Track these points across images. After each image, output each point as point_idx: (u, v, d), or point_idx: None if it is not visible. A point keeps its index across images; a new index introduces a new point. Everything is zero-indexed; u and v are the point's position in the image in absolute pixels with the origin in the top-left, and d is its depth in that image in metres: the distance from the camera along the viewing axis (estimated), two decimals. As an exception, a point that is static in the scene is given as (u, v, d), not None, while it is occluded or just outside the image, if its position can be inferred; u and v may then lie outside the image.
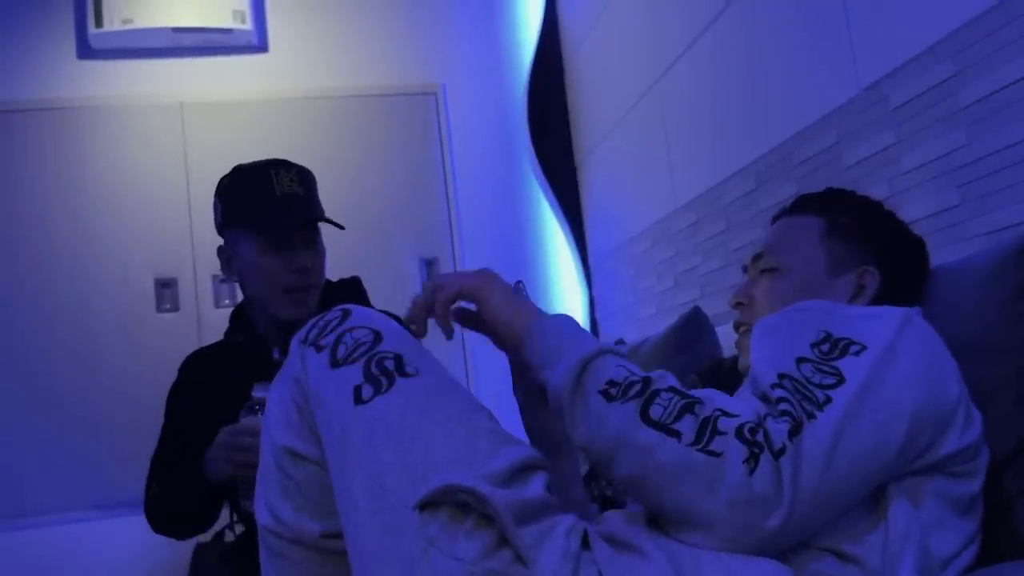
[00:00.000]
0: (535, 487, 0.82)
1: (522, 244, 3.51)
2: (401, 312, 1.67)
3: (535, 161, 3.51)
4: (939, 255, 1.21)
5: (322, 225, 1.61)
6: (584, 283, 3.43)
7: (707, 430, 0.77)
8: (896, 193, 1.59)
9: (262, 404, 1.20)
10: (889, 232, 1.14)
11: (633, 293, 3.00)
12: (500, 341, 0.98)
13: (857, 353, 0.83)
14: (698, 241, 2.45)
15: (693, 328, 2.00)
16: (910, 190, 1.56)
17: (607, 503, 1.37)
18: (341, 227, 1.59)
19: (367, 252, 3.21)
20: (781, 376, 0.82)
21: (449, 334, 0.99)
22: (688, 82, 2.47)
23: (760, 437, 0.76)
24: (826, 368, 0.82)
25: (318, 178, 1.62)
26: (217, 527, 1.68)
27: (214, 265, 1.63)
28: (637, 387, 0.81)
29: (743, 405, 0.80)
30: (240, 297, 1.65)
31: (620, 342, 2.56)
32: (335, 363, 0.91)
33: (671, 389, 0.81)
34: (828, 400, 0.79)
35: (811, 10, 1.83)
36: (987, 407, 0.93)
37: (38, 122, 3.19)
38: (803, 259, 1.12)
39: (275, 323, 1.56)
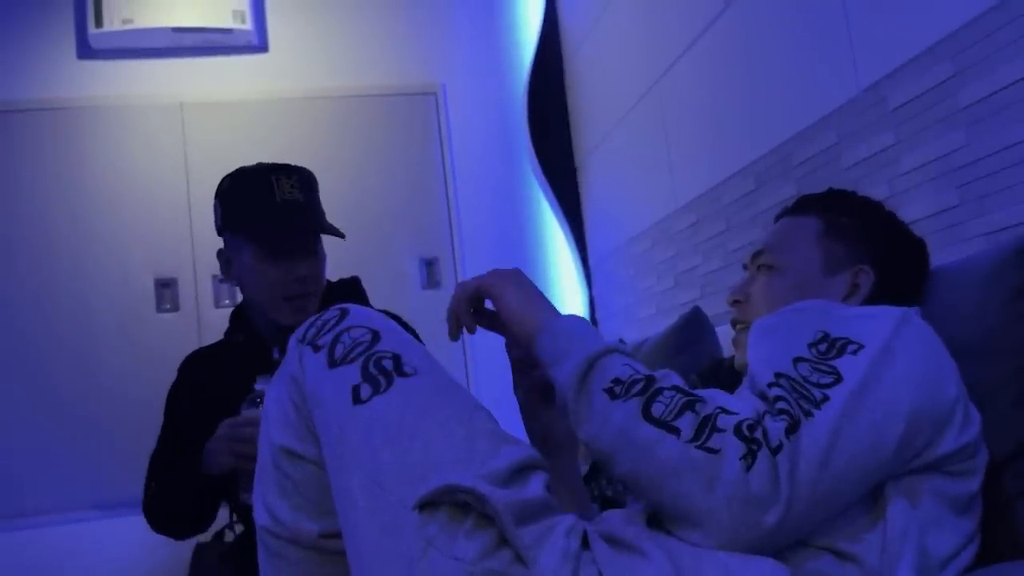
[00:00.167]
0: (535, 487, 0.82)
1: (522, 244, 3.51)
2: (401, 312, 1.68)
3: (535, 161, 3.51)
4: (938, 255, 1.21)
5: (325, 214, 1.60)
6: (584, 283, 3.44)
7: (706, 427, 0.77)
8: (896, 194, 1.59)
9: (264, 397, 1.20)
10: (887, 232, 1.14)
11: (633, 293, 3.00)
12: (514, 339, 0.98)
13: (855, 352, 0.83)
14: (698, 241, 2.45)
15: (693, 328, 2.00)
16: (909, 191, 1.56)
17: (607, 503, 1.37)
18: (342, 236, 1.57)
19: (367, 252, 3.21)
20: (778, 376, 0.82)
21: (471, 329, 1.00)
22: (688, 82, 2.47)
23: (758, 434, 0.76)
24: (823, 367, 0.82)
25: (318, 178, 1.61)
26: (217, 527, 1.68)
27: (214, 265, 1.63)
28: (640, 385, 0.82)
29: (743, 403, 0.80)
30: (240, 297, 1.65)
31: (620, 342, 2.56)
32: (333, 363, 0.90)
33: (674, 387, 0.81)
34: (826, 399, 0.79)
35: (811, 10, 1.83)
36: (987, 408, 0.93)
37: (38, 122, 3.19)
38: (800, 258, 1.13)
39: (275, 325, 1.56)
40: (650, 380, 0.82)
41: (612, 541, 0.81)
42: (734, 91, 2.20)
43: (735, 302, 1.16)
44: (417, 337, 1.62)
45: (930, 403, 0.84)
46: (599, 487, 1.42)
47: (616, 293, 3.19)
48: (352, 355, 0.90)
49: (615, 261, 3.17)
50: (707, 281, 2.40)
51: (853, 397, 0.80)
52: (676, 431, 0.77)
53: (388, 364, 0.89)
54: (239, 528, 1.65)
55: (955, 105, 1.44)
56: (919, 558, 0.81)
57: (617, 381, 0.83)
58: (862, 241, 1.12)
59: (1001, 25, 1.33)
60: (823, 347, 0.85)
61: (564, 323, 0.92)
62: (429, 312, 3.31)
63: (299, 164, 1.60)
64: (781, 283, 1.12)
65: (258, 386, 1.38)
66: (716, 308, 2.22)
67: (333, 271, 1.66)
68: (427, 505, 0.79)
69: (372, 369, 0.89)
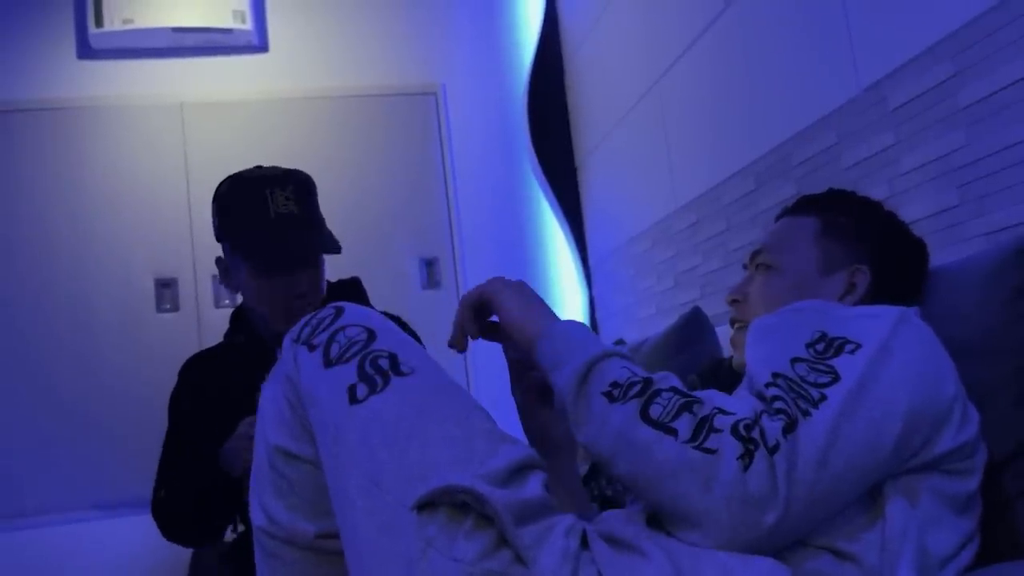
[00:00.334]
0: (533, 487, 0.82)
1: (522, 244, 3.52)
2: (401, 312, 1.67)
3: (535, 161, 3.51)
4: (939, 255, 1.21)
5: (324, 218, 1.59)
6: (584, 283, 3.44)
7: (704, 428, 0.77)
8: (895, 194, 1.59)
9: None
10: (885, 232, 1.14)
11: (633, 293, 3.00)
12: (516, 346, 0.99)
13: (852, 352, 0.83)
14: (698, 241, 2.45)
15: (693, 328, 2.01)
16: (909, 191, 1.56)
17: (607, 503, 1.38)
18: (337, 251, 1.54)
19: (367, 252, 3.21)
20: (775, 375, 0.83)
21: (475, 336, 1.01)
22: (688, 82, 2.47)
23: (756, 434, 0.76)
24: (821, 367, 0.82)
25: (318, 179, 1.59)
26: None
27: (214, 265, 1.62)
28: (638, 387, 0.82)
29: (741, 404, 0.80)
30: (240, 299, 1.65)
31: (620, 342, 2.56)
32: (328, 362, 0.90)
33: (672, 389, 0.82)
34: (823, 398, 0.79)
35: (811, 10, 1.83)
36: (987, 407, 0.93)
37: (38, 122, 3.20)
38: (797, 258, 1.13)
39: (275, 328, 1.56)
40: (648, 382, 0.82)
41: (611, 541, 0.81)
42: (734, 91, 2.20)
43: (733, 301, 1.17)
44: (418, 339, 1.61)
45: (928, 402, 0.83)
46: (599, 487, 1.42)
47: (616, 293, 3.19)
48: (348, 354, 0.90)
49: (615, 261, 3.17)
50: (707, 281, 2.40)
51: (851, 396, 0.80)
52: (673, 432, 0.78)
53: (384, 363, 0.89)
54: (240, 528, 1.65)
55: (955, 105, 1.44)
56: (919, 557, 0.81)
57: (615, 384, 0.83)
58: (859, 241, 1.12)
59: (1001, 25, 1.33)
60: (821, 347, 0.85)
61: (563, 328, 0.93)
62: (429, 312, 3.32)
63: (299, 165, 1.58)
64: (779, 283, 1.12)
65: None
66: (716, 308, 2.22)
67: (333, 271, 1.66)
68: (426, 505, 0.79)
69: (368, 368, 0.88)
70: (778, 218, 1.23)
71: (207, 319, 3.19)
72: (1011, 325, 1.02)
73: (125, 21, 3.19)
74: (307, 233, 1.51)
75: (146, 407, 2.98)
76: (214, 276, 3.17)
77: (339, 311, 0.95)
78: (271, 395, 0.96)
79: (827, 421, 0.78)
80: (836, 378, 0.81)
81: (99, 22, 3.18)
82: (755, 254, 1.18)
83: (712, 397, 0.81)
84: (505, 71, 3.58)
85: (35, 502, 2.99)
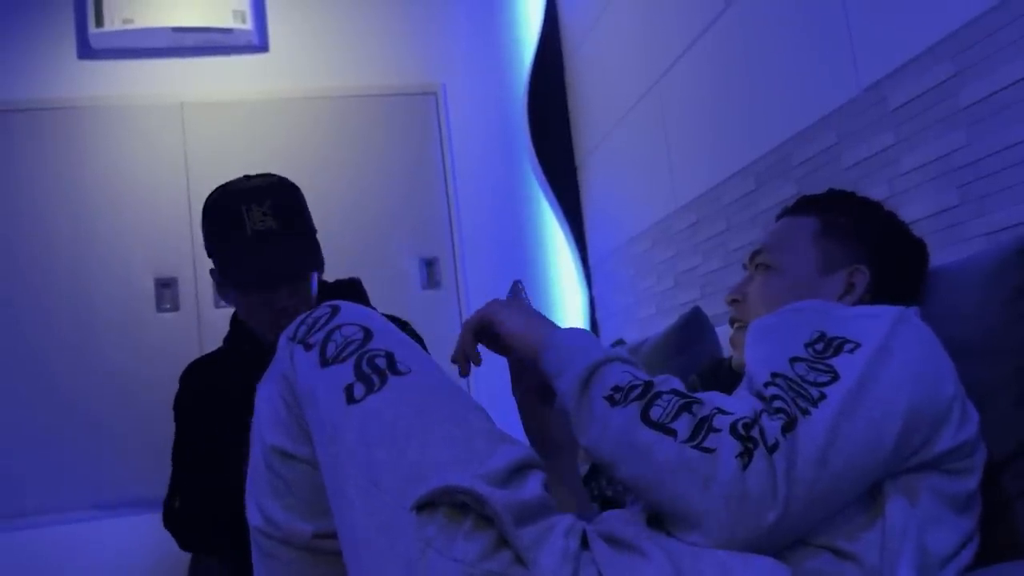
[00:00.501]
0: (533, 487, 0.82)
1: (522, 244, 3.52)
2: (401, 312, 1.67)
3: (535, 161, 3.51)
4: (939, 255, 1.21)
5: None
6: (584, 283, 3.44)
7: (703, 428, 0.77)
8: (896, 194, 1.59)
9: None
10: (884, 232, 1.14)
11: (633, 293, 3.00)
12: (521, 359, 1.00)
13: (851, 351, 0.83)
14: (698, 241, 2.45)
15: (693, 328, 2.00)
16: (910, 191, 1.56)
17: (607, 503, 1.38)
18: (318, 268, 1.53)
19: (367, 252, 3.22)
20: (774, 375, 0.83)
21: (477, 362, 1.02)
22: (688, 82, 2.47)
23: (755, 433, 0.76)
24: (820, 366, 0.83)
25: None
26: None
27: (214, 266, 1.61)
28: (638, 390, 0.82)
29: (741, 404, 0.80)
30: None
31: (620, 342, 2.56)
32: (325, 361, 0.90)
33: (672, 391, 0.82)
34: (822, 397, 0.79)
35: (811, 10, 1.83)
36: (987, 407, 0.93)
37: (38, 122, 3.20)
38: (796, 258, 1.13)
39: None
40: (648, 385, 0.83)
41: (612, 541, 0.81)
42: (734, 91, 2.20)
43: (733, 301, 1.17)
44: (422, 342, 1.60)
45: (927, 401, 0.83)
46: (599, 487, 1.42)
47: (616, 293, 3.19)
48: (344, 353, 0.90)
49: (615, 261, 3.17)
50: (707, 281, 2.40)
51: (850, 395, 0.80)
52: (673, 433, 0.78)
53: (381, 362, 0.88)
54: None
55: (955, 105, 1.44)
56: (919, 556, 0.81)
57: (617, 388, 0.83)
58: (858, 241, 1.12)
59: (1001, 25, 1.33)
60: (820, 347, 0.85)
61: (565, 336, 0.93)
62: (429, 312, 3.33)
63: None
64: (778, 283, 1.12)
65: None
66: (716, 308, 2.21)
67: (333, 271, 1.66)
68: (425, 506, 0.79)
69: (365, 368, 0.88)
70: (778, 218, 1.24)
71: (207, 319, 3.19)
72: (1011, 325, 1.02)
73: (125, 21, 3.19)
74: (285, 249, 1.49)
75: (146, 407, 2.99)
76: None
77: (335, 310, 0.95)
78: (267, 395, 0.95)
79: (827, 420, 0.78)
80: (835, 377, 0.81)
81: (99, 22, 3.18)
82: (755, 254, 1.18)
83: (712, 398, 0.81)
84: (505, 71, 3.58)
85: (35, 502, 2.99)
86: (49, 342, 3.09)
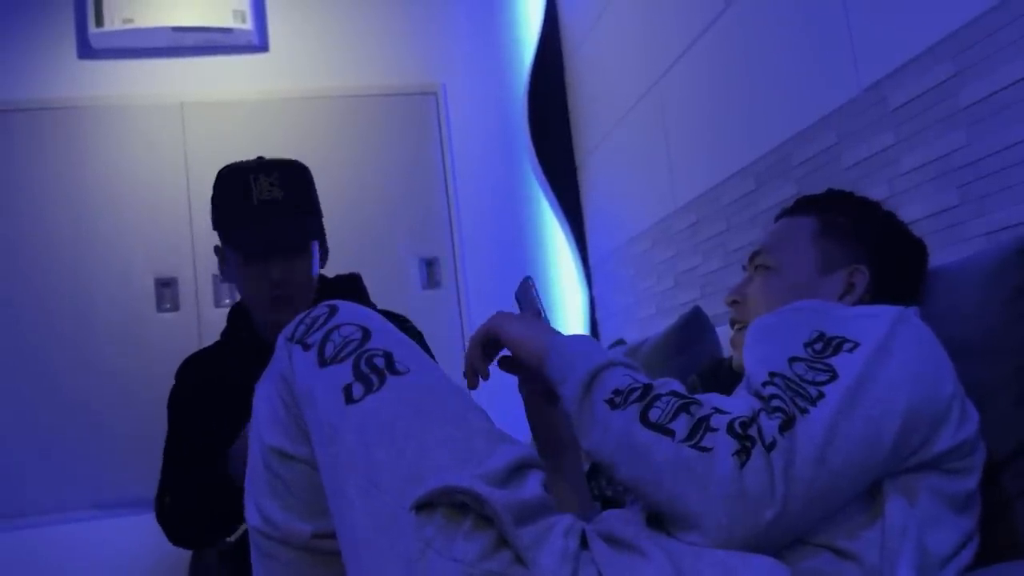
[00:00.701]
0: (532, 486, 0.82)
1: (522, 244, 3.52)
2: (401, 312, 1.67)
3: (535, 161, 3.51)
4: (939, 255, 1.21)
5: (325, 218, 1.58)
6: (584, 283, 3.44)
7: (701, 427, 0.78)
8: (896, 194, 1.59)
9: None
10: (884, 232, 1.14)
11: (633, 293, 3.00)
12: (527, 371, 1.01)
13: (850, 350, 0.84)
14: (698, 241, 2.45)
15: (693, 328, 2.00)
16: (909, 191, 1.56)
17: (607, 503, 1.38)
18: (319, 239, 1.54)
19: (367, 251, 3.21)
20: (772, 375, 0.83)
21: (486, 375, 1.02)
22: (688, 83, 2.47)
23: (753, 432, 0.76)
24: (819, 366, 0.83)
25: (318, 178, 1.58)
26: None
27: (214, 265, 1.62)
28: (638, 393, 0.83)
29: (739, 403, 0.80)
30: (239, 296, 1.65)
31: (620, 342, 2.56)
32: (323, 361, 0.90)
33: (671, 393, 0.82)
34: (821, 395, 0.79)
35: (811, 10, 1.83)
36: (987, 407, 0.93)
37: (38, 122, 3.19)
38: (796, 258, 1.13)
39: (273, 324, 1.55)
40: (648, 388, 0.83)
41: (611, 541, 0.81)
42: (734, 91, 2.20)
43: (733, 302, 1.17)
44: (421, 336, 1.60)
45: (926, 401, 0.83)
46: (599, 487, 1.42)
47: (616, 293, 3.19)
48: (343, 353, 0.90)
49: (615, 261, 3.17)
50: (707, 281, 2.40)
51: (849, 394, 0.80)
52: (671, 433, 0.78)
53: (380, 362, 0.88)
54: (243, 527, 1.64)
55: (955, 105, 1.44)
56: (918, 556, 0.81)
57: (617, 391, 0.84)
58: (857, 241, 1.12)
59: (1001, 25, 1.33)
60: (819, 346, 0.85)
61: (567, 342, 0.94)
62: (429, 312, 3.32)
63: (288, 161, 1.57)
64: (777, 283, 1.12)
65: None
66: (716, 308, 2.21)
67: (333, 270, 1.66)
68: (424, 506, 0.79)
69: (364, 367, 0.88)
70: (777, 218, 1.24)
71: (207, 319, 3.19)
72: (1011, 325, 1.02)
73: (125, 21, 3.19)
74: (289, 221, 1.50)
75: (146, 407, 2.98)
76: (214, 275, 3.17)
77: (333, 309, 0.95)
78: (265, 394, 0.95)
79: (825, 419, 0.78)
80: (834, 376, 0.81)
81: (99, 22, 3.18)
82: (754, 255, 1.18)
83: (711, 399, 0.82)
84: (505, 71, 3.58)
85: (35, 502, 2.99)
86: (49, 342, 3.09)
